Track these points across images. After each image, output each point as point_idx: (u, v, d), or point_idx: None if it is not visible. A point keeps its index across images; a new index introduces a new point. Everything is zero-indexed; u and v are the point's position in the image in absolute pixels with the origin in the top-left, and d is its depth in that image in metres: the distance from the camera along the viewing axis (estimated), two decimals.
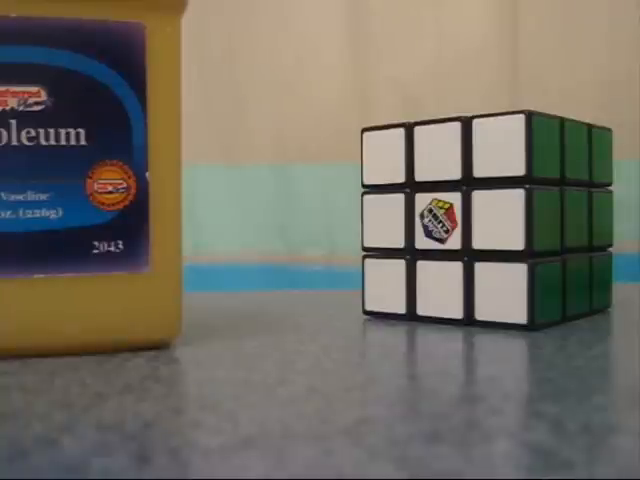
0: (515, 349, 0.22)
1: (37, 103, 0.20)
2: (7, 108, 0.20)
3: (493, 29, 0.46)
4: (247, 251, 0.47)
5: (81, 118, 0.21)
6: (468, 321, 0.25)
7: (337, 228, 0.47)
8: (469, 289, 0.25)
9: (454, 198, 0.25)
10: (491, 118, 0.25)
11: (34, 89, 0.20)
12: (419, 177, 0.26)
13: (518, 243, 0.24)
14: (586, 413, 0.14)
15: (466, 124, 0.25)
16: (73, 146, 0.21)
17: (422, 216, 0.26)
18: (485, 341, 0.23)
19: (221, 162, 0.47)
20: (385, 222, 0.27)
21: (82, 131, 0.21)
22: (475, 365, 0.20)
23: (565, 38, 0.46)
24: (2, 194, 0.20)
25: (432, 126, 0.26)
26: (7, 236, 0.20)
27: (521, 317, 0.24)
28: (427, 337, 0.24)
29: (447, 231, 0.26)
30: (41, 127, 0.20)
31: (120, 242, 0.21)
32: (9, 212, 0.20)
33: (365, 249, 0.28)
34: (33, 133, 0.20)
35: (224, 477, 0.11)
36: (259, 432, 0.13)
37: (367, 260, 0.28)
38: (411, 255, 0.27)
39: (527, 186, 0.24)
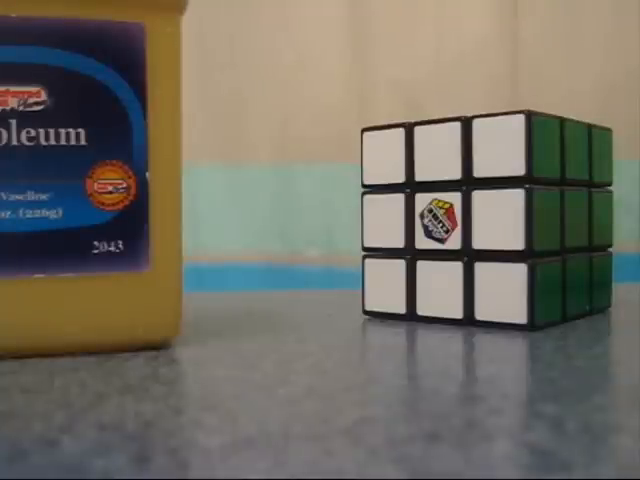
0: (515, 349, 0.22)
1: (37, 103, 0.20)
2: (7, 108, 0.20)
3: (493, 29, 0.46)
4: (247, 251, 0.47)
5: (81, 118, 0.21)
6: (468, 321, 0.25)
7: (337, 228, 0.47)
8: (469, 289, 0.25)
9: (454, 198, 0.25)
10: (491, 118, 0.25)
11: (34, 89, 0.20)
12: (419, 177, 0.26)
13: (518, 243, 0.24)
14: (586, 413, 0.14)
15: (466, 124, 0.25)
16: (73, 146, 0.21)
17: (422, 216, 0.26)
18: (485, 341, 0.23)
19: (221, 162, 0.47)
20: (385, 222, 0.27)
21: (82, 131, 0.21)
22: (475, 365, 0.20)
23: (565, 39, 0.46)
24: (2, 194, 0.20)
25: (432, 126, 0.26)
26: (7, 236, 0.20)
27: (521, 317, 0.24)
28: (427, 337, 0.24)
29: (447, 231, 0.26)
30: (41, 127, 0.20)
31: (120, 242, 0.21)
32: (9, 212, 0.20)
33: (365, 249, 0.28)
34: (33, 133, 0.20)
35: (224, 477, 0.11)
36: (259, 432, 0.13)
37: (367, 260, 0.28)
38: (411, 255, 0.27)
39: (527, 186, 0.24)
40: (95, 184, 0.21)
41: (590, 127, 0.28)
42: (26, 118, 0.20)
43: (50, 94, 0.20)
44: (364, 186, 0.28)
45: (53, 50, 0.20)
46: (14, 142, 0.20)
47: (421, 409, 0.15)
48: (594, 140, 0.28)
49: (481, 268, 0.25)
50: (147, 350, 0.21)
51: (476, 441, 0.13)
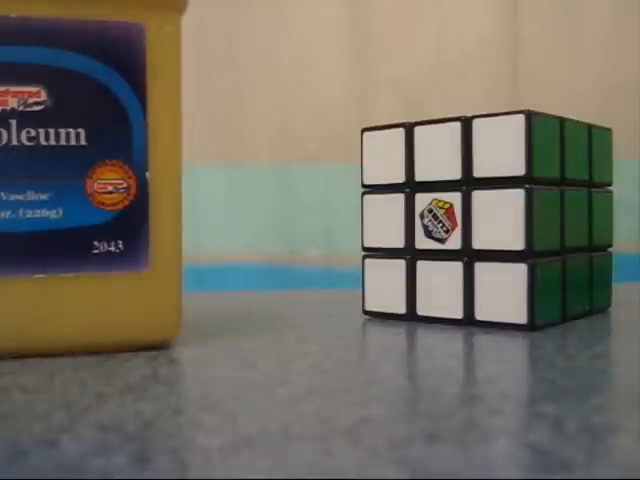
0: (515, 349, 0.22)
1: (37, 103, 0.20)
2: (7, 108, 0.20)
3: (493, 29, 0.46)
4: (247, 251, 0.47)
5: (81, 118, 0.21)
6: (468, 321, 0.25)
7: (337, 228, 0.47)
8: (469, 289, 0.25)
9: (454, 198, 0.25)
10: (491, 118, 0.25)
11: (34, 89, 0.20)
12: (419, 177, 0.26)
13: (518, 243, 0.24)
14: (586, 413, 0.14)
15: (466, 124, 0.25)
16: (73, 146, 0.21)
17: (422, 216, 0.26)
18: (485, 341, 0.23)
19: (221, 162, 0.47)
20: (385, 222, 0.27)
21: (82, 131, 0.21)
22: (475, 365, 0.20)
23: (565, 39, 0.46)
24: (2, 194, 0.20)
25: (432, 126, 0.26)
26: (7, 236, 0.20)
27: (521, 317, 0.24)
28: (427, 337, 0.24)
29: (447, 231, 0.26)
30: (41, 127, 0.20)
31: (120, 242, 0.21)
32: (9, 212, 0.20)
33: (365, 249, 0.28)
34: (33, 133, 0.20)
35: (224, 477, 0.11)
36: (259, 432, 0.13)
37: (367, 260, 0.28)
38: (411, 255, 0.27)
39: (527, 186, 0.24)
40: (95, 184, 0.21)
41: (590, 127, 0.28)
42: (26, 118, 0.20)
43: (50, 94, 0.20)
44: (364, 186, 0.28)
45: (53, 50, 0.20)
46: (14, 142, 0.20)
47: (421, 409, 0.15)
48: (594, 140, 0.28)
49: (481, 268, 0.25)
50: (147, 350, 0.21)
51: (476, 441, 0.13)
